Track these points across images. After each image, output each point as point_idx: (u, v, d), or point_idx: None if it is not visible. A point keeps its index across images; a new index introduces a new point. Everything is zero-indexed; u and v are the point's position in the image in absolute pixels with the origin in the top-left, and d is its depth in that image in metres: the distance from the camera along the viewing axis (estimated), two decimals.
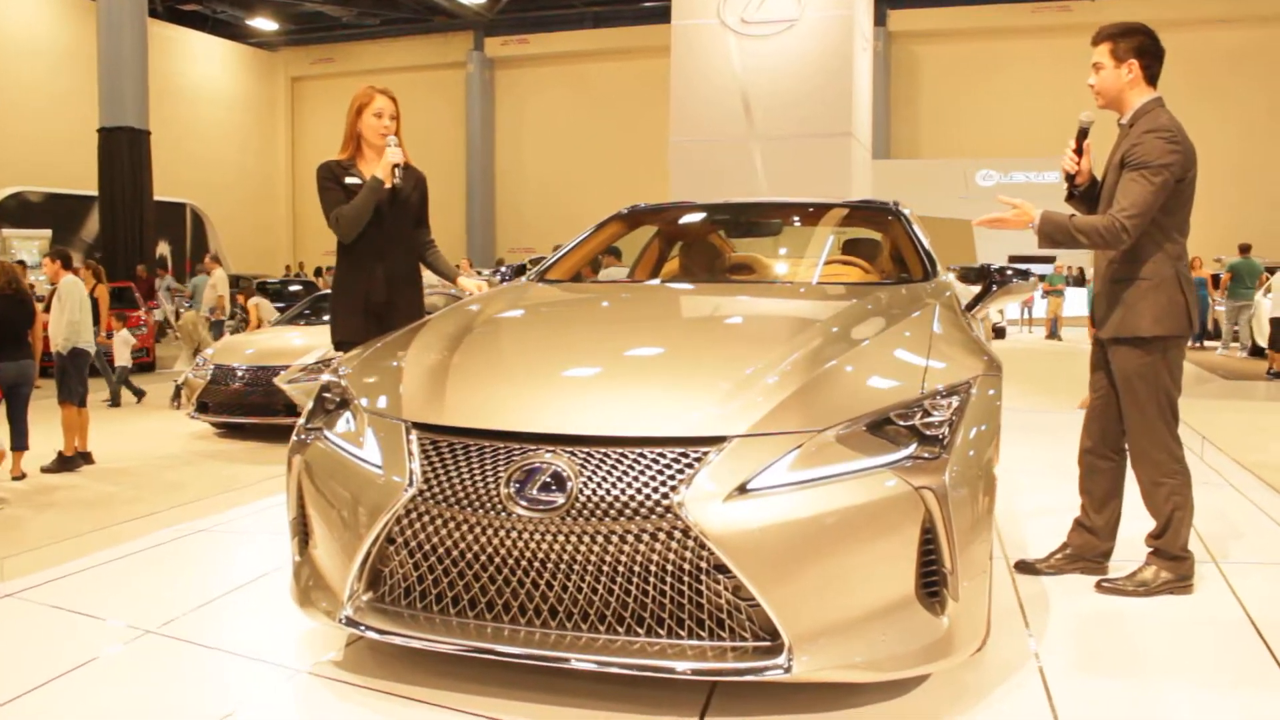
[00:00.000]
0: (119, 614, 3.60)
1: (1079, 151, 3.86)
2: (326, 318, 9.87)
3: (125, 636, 3.38)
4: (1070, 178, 3.87)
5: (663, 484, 2.49)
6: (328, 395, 3.14)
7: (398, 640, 2.66)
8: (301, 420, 3.14)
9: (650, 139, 23.82)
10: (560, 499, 2.51)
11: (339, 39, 33.32)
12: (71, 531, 4.93)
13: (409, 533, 2.66)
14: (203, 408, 8.54)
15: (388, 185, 4.15)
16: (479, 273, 4.57)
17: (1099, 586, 3.74)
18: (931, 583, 2.55)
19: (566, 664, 2.50)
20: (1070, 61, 25.44)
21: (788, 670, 2.43)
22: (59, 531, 5.12)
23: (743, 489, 2.47)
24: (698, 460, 2.51)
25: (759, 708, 2.70)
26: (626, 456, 2.54)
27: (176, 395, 9.95)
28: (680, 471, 2.50)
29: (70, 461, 7.21)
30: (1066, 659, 3.12)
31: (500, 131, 31.57)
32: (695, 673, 2.45)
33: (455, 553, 2.62)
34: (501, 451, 2.62)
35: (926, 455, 2.57)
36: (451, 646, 2.60)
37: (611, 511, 2.49)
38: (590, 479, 2.52)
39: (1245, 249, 16.53)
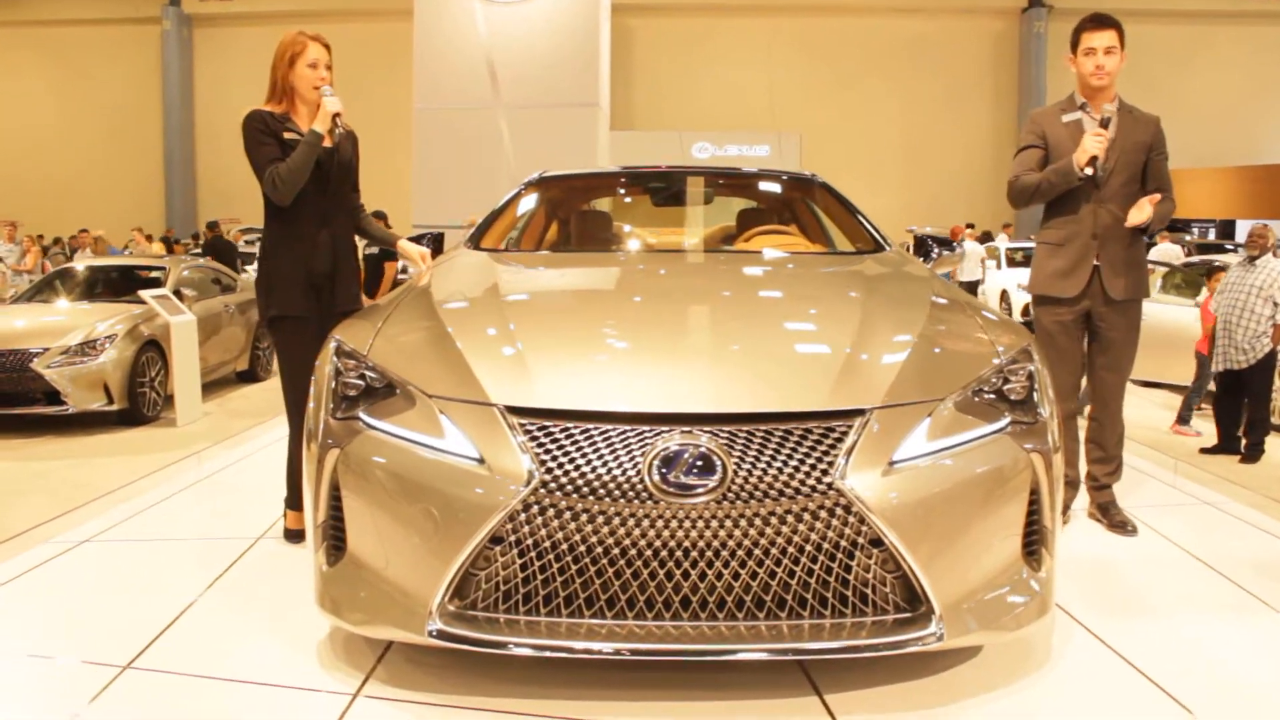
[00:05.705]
0: (65, 651, 2.96)
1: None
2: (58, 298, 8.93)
3: (98, 679, 2.76)
4: (1094, 160, 4.05)
5: (817, 460, 2.47)
6: (348, 380, 2.80)
7: (523, 651, 2.44)
8: (323, 411, 2.79)
9: (386, 107, 22.62)
10: (712, 482, 2.41)
11: None
12: None
13: (525, 530, 2.45)
14: None
15: (328, 141, 3.78)
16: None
17: (1114, 528, 4.22)
18: (1032, 542, 2.69)
19: (733, 656, 2.41)
20: (773, 39, 26.92)
21: (940, 638, 2.48)
22: None
23: (892, 461, 2.50)
24: (843, 434, 2.51)
25: (860, 680, 2.74)
26: (774, 434, 2.50)
27: None
28: (832, 447, 2.49)
29: None
30: (1088, 606, 3.34)
31: (201, 97, 28.95)
32: (854, 649, 2.44)
33: (582, 548, 2.44)
34: (633, 435, 2.48)
35: (1026, 420, 2.72)
36: (594, 653, 2.41)
37: (772, 492, 2.43)
38: (743, 459, 2.45)
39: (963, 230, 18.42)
